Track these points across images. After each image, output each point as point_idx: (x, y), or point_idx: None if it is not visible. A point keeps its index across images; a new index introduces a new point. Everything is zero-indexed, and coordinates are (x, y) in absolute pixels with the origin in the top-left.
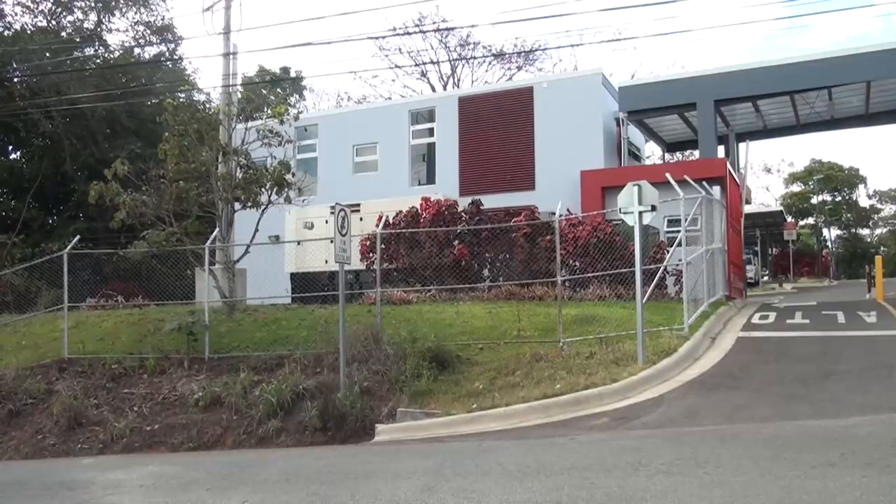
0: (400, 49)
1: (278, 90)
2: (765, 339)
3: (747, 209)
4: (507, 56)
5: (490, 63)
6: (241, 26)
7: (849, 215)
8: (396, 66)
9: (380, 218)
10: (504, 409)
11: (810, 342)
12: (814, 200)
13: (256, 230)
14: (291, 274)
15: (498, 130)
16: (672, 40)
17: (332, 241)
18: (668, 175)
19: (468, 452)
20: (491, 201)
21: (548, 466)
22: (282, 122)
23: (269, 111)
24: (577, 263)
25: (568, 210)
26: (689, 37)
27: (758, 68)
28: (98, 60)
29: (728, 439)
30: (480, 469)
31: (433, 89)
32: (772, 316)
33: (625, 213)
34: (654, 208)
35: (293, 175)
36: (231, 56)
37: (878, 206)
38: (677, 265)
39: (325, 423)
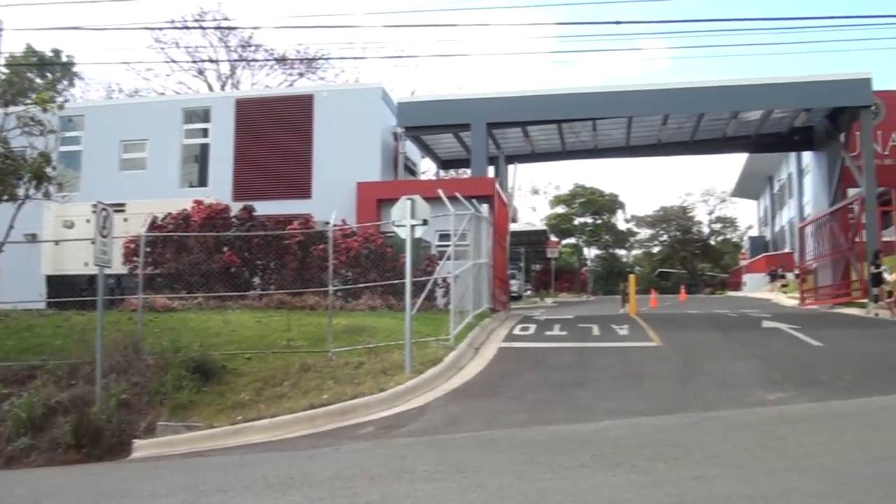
0: (177, 43)
1: (47, 74)
2: (525, 350)
3: (513, 227)
4: (290, 62)
5: (272, 67)
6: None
7: (608, 237)
8: (173, 61)
9: (146, 219)
10: (270, 421)
11: (567, 352)
12: (576, 222)
13: (11, 227)
14: (48, 276)
15: (276, 136)
16: (452, 62)
17: (93, 243)
18: (440, 191)
19: (230, 466)
20: (266, 208)
21: (311, 477)
22: (45, 110)
23: (34, 97)
24: (350, 273)
25: (343, 220)
26: (467, 60)
27: (528, 96)
28: None
29: (488, 444)
30: (242, 483)
31: (210, 88)
32: (532, 328)
33: (398, 225)
34: (425, 222)
35: (54, 168)
36: None
37: (635, 229)
38: (446, 278)
39: (80, 439)
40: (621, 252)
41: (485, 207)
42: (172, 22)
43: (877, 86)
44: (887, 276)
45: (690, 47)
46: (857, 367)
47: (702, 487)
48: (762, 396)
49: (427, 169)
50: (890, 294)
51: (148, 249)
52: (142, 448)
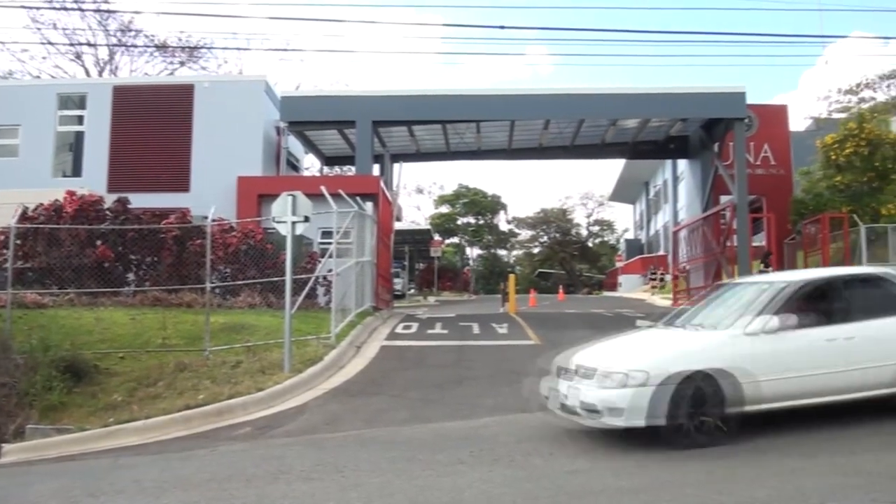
0: (55, 25)
1: None
2: (407, 348)
3: (398, 226)
4: (171, 49)
5: (152, 54)
6: None
7: (490, 237)
8: (49, 43)
9: (16, 210)
10: (143, 423)
11: (448, 351)
12: (459, 222)
13: None
14: None
15: (154, 126)
16: (338, 58)
17: None
18: (323, 188)
19: (102, 470)
20: (142, 200)
21: (186, 480)
22: None
23: None
24: (229, 270)
25: (220, 217)
26: (354, 57)
27: (414, 96)
28: None
29: (367, 443)
30: (114, 488)
31: (87, 74)
32: (415, 326)
33: (278, 222)
34: (307, 219)
35: None
36: None
37: (516, 230)
38: (328, 276)
39: None
40: (503, 252)
41: (369, 205)
42: (51, 2)
43: (751, 99)
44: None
45: (572, 55)
46: None
47: (576, 481)
48: None
49: (311, 165)
50: None
51: (18, 242)
52: (10, 453)
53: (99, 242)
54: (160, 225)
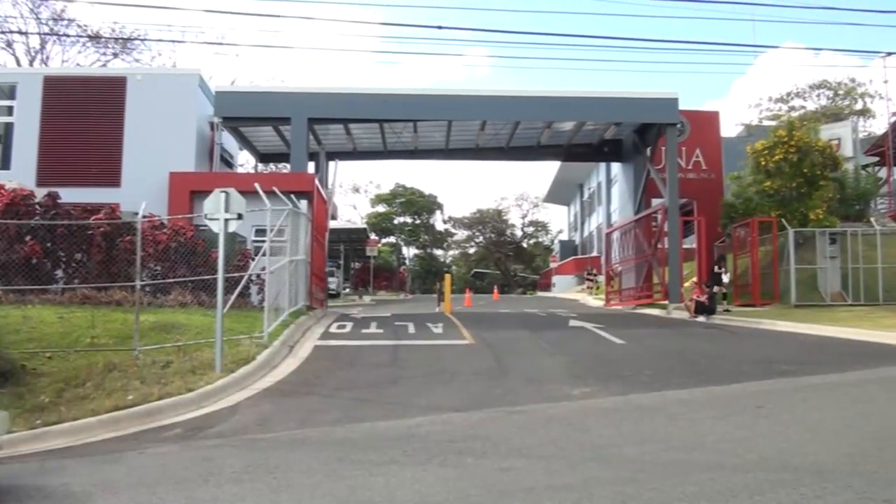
0: None
1: None
2: (341, 348)
3: (333, 224)
4: (104, 40)
5: (84, 44)
6: None
7: (426, 237)
8: None
9: None
10: (71, 424)
11: (383, 350)
12: (396, 221)
13: None
14: None
15: (85, 118)
16: (275, 54)
17: None
18: (256, 185)
19: (29, 475)
20: (72, 195)
21: (114, 484)
22: None
23: None
24: (159, 268)
25: (151, 214)
26: (291, 53)
27: (351, 93)
28: None
29: (299, 444)
30: (42, 493)
31: (18, 63)
32: (349, 326)
33: (211, 219)
34: (240, 216)
35: None
36: None
37: (452, 230)
38: (261, 274)
39: None
40: (439, 252)
41: (304, 203)
42: None
43: (683, 105)
44: (725, 279)
45: (510, 57)
46: (656, 364)
47: (508, 479)
48: (568, 391)
49: (245, 162)
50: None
51: None
52: None
53: (28, 238)
54: (90, 221)
